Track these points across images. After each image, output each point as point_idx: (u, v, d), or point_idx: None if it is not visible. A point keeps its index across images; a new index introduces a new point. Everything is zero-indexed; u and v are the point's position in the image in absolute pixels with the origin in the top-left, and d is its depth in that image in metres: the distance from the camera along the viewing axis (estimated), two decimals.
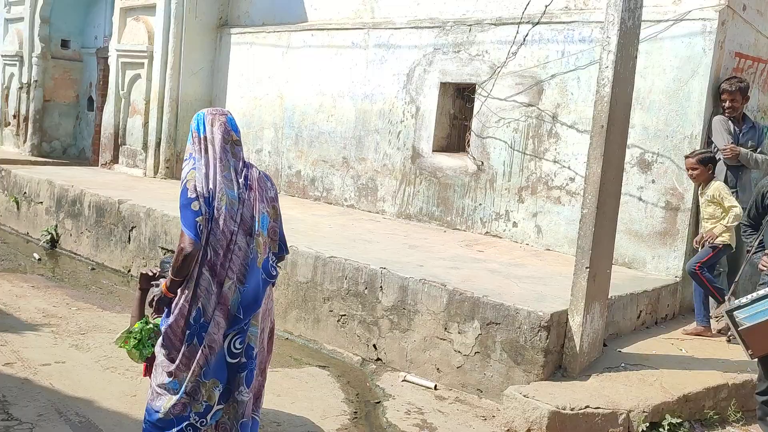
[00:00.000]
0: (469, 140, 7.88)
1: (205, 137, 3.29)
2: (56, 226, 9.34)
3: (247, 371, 3.33)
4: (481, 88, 7.63)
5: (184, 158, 3.34)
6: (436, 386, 5.29)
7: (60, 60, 13.21)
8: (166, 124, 10.59)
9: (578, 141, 6.86)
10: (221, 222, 3.20)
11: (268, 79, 9.98)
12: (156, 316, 3.48)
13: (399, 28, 8.43)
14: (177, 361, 3.25)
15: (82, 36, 13.34)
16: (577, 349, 4.93)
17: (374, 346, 5.80)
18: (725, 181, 6.05)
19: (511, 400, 4.60)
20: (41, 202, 9.70)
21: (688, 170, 5.92)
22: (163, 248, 7.77)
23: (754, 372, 5.08)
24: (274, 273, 3.40)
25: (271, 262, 3.39)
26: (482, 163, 7.63)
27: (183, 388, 3.24)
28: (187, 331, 3.24)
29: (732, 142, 6.01)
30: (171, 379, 3.27)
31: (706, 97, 6.18)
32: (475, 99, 7.72)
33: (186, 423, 3.26)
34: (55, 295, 6.96)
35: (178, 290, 3.25)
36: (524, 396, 4.56)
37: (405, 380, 5.40)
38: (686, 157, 5.95)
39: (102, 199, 8.66)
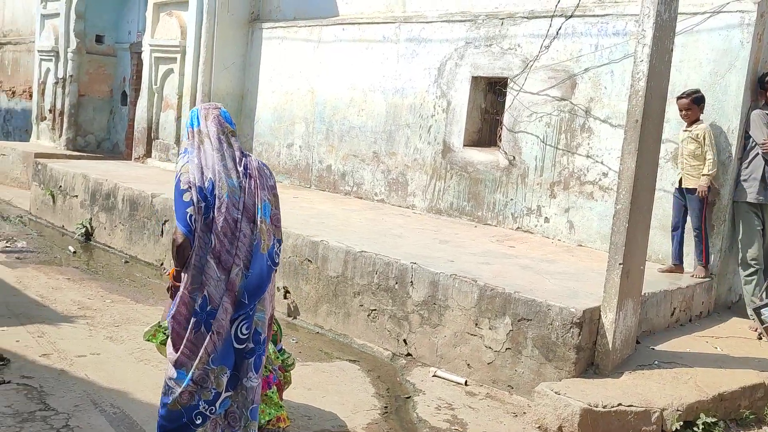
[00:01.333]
0: (500, 135, 7.83)
1: (200, 130, 3.38)
2: (90, 219, 9.48)
3: (255, 357, 3.38)
4: (513, 82, 7.57)
5: (180, 153, 3.44)
6: (466, 382, 5.27)
7: (94, 55, 13.40)
8: None
9: (611, 135, 6.78)
10: (224, 210, 3.26)
11: (300, 74, 10.00)
12: None
13: (430, 22, 8.40)
14: (181, 349, 3.28)
15: (116, 31, 13.50)
16: (610, 346, 4.87)
17: (404, 341, 5.79)
18: (762, 177, 5.95)
19: (543, 396, 4.57)
20: (76, 196, 9.85)
21: (681, 110, 6.06)
22: None
23: None
24: (278, 260, 3.46)
25: (276, 249, 3.44)
26: (514, 157, 7.58)
27: (189, 376, 3.28)
28: (193, 319, 3.28)
29: None
30: (179, 369, 3.31)
31: (744, 91, 6.06)
32: (507, 93, 7.67)
33: (195, 412, 3.29)
34: (90, 288, 7.06)
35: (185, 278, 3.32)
36: (556, 393, 4.52)
37: (435, 375, 5.40)
38: (679, 97, 6.05)
39: (135, 192, 8.76)
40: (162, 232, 8.33)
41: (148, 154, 11.56)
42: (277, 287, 6.59)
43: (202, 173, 3.28)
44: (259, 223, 3.35)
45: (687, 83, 6.33)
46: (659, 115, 5.11)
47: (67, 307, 6.29)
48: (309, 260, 6.55)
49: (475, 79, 8.00)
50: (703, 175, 5.97)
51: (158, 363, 5.09)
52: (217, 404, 3.31)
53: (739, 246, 6.08)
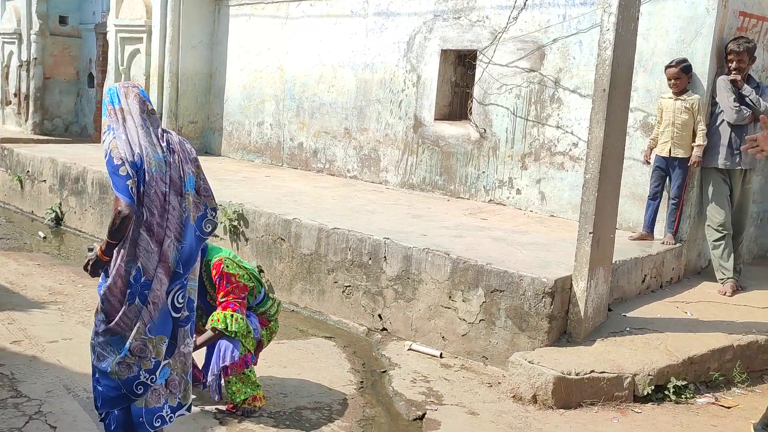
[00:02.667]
0: (471, 108, 7.82)
1: (121, 108, 3.41)
2: (60, 204, 9.36)
3: (189, 324, 3.52)
4: (483, 54, 7.55)
5: (103, 131, 3.50)
6: (441, 354, 5.31)
7: (58, 37, 13.12)
8: (167, 99, 10.54)
9: (581, 106, 6.80)
10: (153, 184, 3.32)
11: (268, 51, 9.90)
12: None
13: None
14: (116, 321, 3.32)
15: (80, 12, 13.23)
16: (582, 314, 4.93)
17: (379, 316, 5.81)
18: (729, 143, 6.01)
19: (516, 366, 4.61)
20: (45, 181, 9.70)
21: (670, 80, 6.06)
22: None
23: (759, 333, 5.10)
24: (207, 230, 3.54)
25: (205, 219, 3.53)
26: (485, 130, 7.58)
27: (127, 347, 3.32)
28: (128, 291, 3.31)
29: (736, 102, 5.94)
30: (108, 336, 3.35)
31: (710, 58, 6.10)
32: (477, 66, 7.65)
33: (136, 382, 3.35)
34: (61, 273, 6.99)
35: (114, 252, 3.32)
36: (529, 362, 4.57)
37: (410, 349, 5.43)
38: (667, 67, 6.06)
39: (105, 175, 8.64)
40: None
41: None
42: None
43: (131, 149, 3.32)
44: (185, 195, 3.43)
45: (654, 51, 6.36)
46: (627, 84, 5.13)
47: (37, 293, 6.22)
48: (282, 239, 6.53)
49: (445, 53, 7.97)
50: (697, 145, 6.01)
51: None
52: (158, 373, 3.39)
53: (707, 212, 6.15)
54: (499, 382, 4.83)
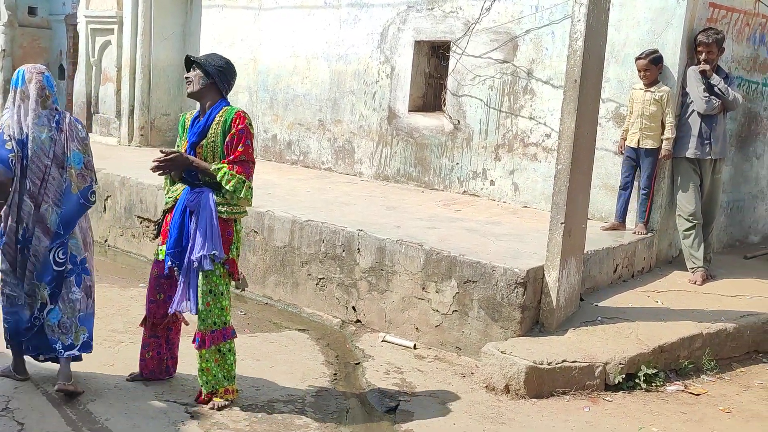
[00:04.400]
0: (444, 99, 7.82)
1: (22, 90, 4.06)
2: None
3: (74, 275, 4.18)
4: (456, 45, 7.55)
5: (5, 108, 4.14)
6: (415, 345, 5.31)
7: (28, 28, 12.90)
8: (139, 91, 10.41)
9: (554, 97, 6.82)
10: (35, 158, 4.01)
11: (241, 42, 9.82)
12: None
13: None
14: (16, 268, 4.10)
15: (50, 2, 13.02)
16: (554, 304, 4.96)
17: (353, 308, 5.80)
18: (699, 133, 6.06)
19: (489, 356, 4.63)
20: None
21: (640, 71, 6.08)
22: (139, 217, 7.71)
23: (728, 321, 5.17)
24: (92, 199, 4.21)
25: (90, 190, 4.19)
26: (458, 121, 7.58)
27: (24, 289, 4.10)
28: (18, 246, 4.07)
29: (706, 93, 5.99)
30: (11, 279, 4.11)
31: (681, 49, 6.14)
32: (450, 57, 7.64)
33: (33, 316, 4.13)
34: None
35: (3, 213, 4.05)
36: (502, 352, 4.59)
37: (384, 341, 5.43)
38: (637, 58, 6.09)
39: None
40: (105, 208, 8.15)
41: (88, 128, 11.24)
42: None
43: (21, 128, 4.01)
44: (68, 168, 4.09)
45: (626, 42, 6.39)
46: (598, 75, 5.16)
47: None
48: (255, 231, 6.49)
49: (418, 44, 7.95)
50: (666, 138, 6.05)
51: (102, 341, 5.01)
52: (46, 312, 4.12)
53: (678, 202, 6.21)
54: (472, 373, 4.84)
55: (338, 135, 8.76)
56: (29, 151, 4.00)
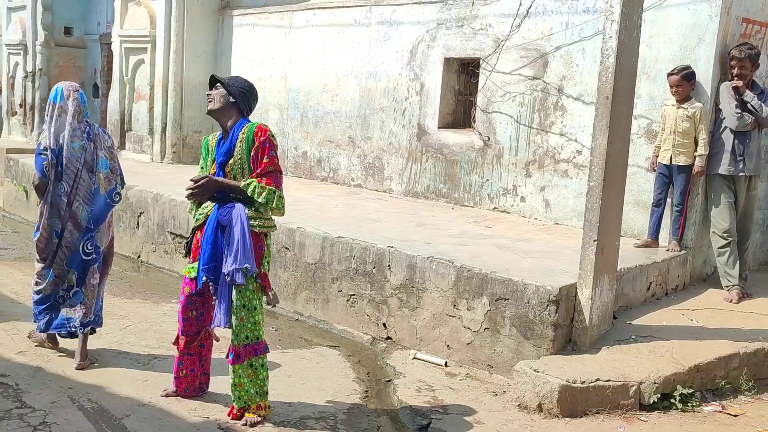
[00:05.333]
0: (474, 116, 7.82)
1: (60, 106, 4.78)
2: None
3: (97, 263, 4.93)
4: (486, 62, 7.56)
5: (45, 122, 4.85)
6: (446, 363, 5.29)
7: (64, 48, 13.21)
8: (171, 109, 10.58)
9: (584, 113, 6.79)
10: (70, 165, 4.73)
11: (272, 60, 9.93)
12: None
13: (401, 4, 8.35)
14: (48, 259, 4.83)
15: (85, 22, 13.32)
16: (587, 322, 4.91)
17: (384, 324, 5.80)
18: (732, 149, 5.99)
19: (522, 375, 4.60)
20: None
21: (672, 87, 6.04)
22: (171, 233, 7.79)
23: (765, 341, 5.08)
24: (117, 199, 4.95)
25: (114, 191, 4.92)
26: (488, 138, 7.58)
27: (52, 273, 4.84)
28: (52, 238, 4.79)
29: (738, 109, 5.93)
30: (43, 269, 4.87)
31: (713, 65, 6.09)
32: (480, 74, 7.66)
33: (57, 295, 4.87)
34: None
35: (40, 209, 4.83)
36: (534, 371, 4.55)
37: (415, 358, 5.41)
38: (669, 74, 6.04)
39: None
40: (138, 224, 8.26)
41: (122, 146, 11.44)
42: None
43: (57, 139, 4.74)
44: (97, 173, 4.83)
45: (657, 59, 6.36)
46: (629, 92, 5.13)
47: None
48: (286, 248, 6.53)
49: (448, 61, 7.98)
50: (699, 155, 5.99)
51: (137, 356, 5.08)
52: (71, 293, 4.88)
53: (712, 219, 6.13)
54: (504, 391, 4.81)
55: (368, 152, 8.79)
56: (64, 158, 4.71)
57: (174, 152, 10.65)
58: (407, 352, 5.53)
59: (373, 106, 8.70)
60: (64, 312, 4.88)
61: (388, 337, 5.76)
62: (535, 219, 7.24)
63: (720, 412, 4.55)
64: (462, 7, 7.75)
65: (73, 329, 4.85)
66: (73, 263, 4.84)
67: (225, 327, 4.08)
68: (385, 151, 8.59)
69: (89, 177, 4.79)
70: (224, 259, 4.00)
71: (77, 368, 4.73)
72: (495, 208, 7.58)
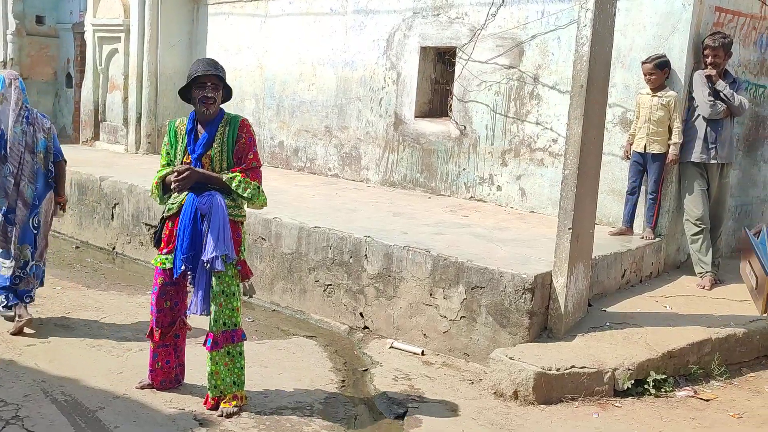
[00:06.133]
0: (451, 105, 7.82)
1: (2, 94, 5.14)
2: None
3: (39, 233, 5.37)
4: (462, 51, 7.56)
5: None
6: (423, 352, 5.31)
7: (35, 36, 12.96)
8: (146, 99, 10.47)
9: (560, 102, 6.81)
10: (13, 148, 5.14)
11: (248, 50, 9.85)
12: None
13: None
14: (7, 240, 5.24)
15: (57, 11, 13.09)
16: (562, 310, 4.94)
17: (361, 314, 5.80)
18: (704, 137, 6.05)
19: (498, 362, 4.62)
20: None
21: (645, 75, 6.08)
22: (147, 224, 7.73)
23: (737, 326, 5.15)
24: (53, 174, 5.39)
25: (51, 169, 5.37)
26: (465, 127, 7.58)
27: (12, 254, 5.25)
28: (2, 219, 5.20)
29: (711, 97, 5.98)
30: (4, 251, 5.27)
31: (687, 53, 6.13)
32: (456, 63, 7.65)
33: (14, 276, 5.25)
34: None
35: None
36: (510, 358, 4.58)
37: (392, 347, 5.42)
38: (643, 62, 6.09)
39: (84, 176, 8.58)
40: (112, 215, 8.18)
41: (96, 136, 11.32)
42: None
43: None
44: (37, 153, 5.26)
45: (632, 47, 6.39)
46: (604, 80, 5.15)
47: None
48: (263, 238, 6.50)
49: (424, 50, 7.96)
50: (673, 143, 6.05)
51: (111, 348, 5.05)
52: (27, 269, 5.30)
53: (685, 206, 6.19)
54: (481, 379, 4.83)
55: (345, 141, 8.77)
56: (8, 142, 5.13)
57: (149, 142, 10.55)
58: (384, 341, 5.54)
59: (350, 95, 8.66)
60: (21, 286, 5.30)
61: (365, 327, 5.77)
62: (512, 208, 7.27)
63: (692, 397, 4.61)
64: None
65: (27, 300, 5.33)
66: (26, 238, 5.27)
67: (202, 314, 4.06)
68: (362, 141, 8.57)
69: (32, 158, 5.23)
70: (204, 247, 3.98)
71: (16, 331, 5.17)
72: (471, 197, 7.60)
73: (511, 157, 7.26)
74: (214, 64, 4.13)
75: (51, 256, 7.83)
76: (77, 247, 8.36)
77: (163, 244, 4.18)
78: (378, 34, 8.32)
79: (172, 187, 4.05)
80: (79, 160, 9.44)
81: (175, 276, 4.11)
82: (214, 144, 4.06)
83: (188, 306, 4.14)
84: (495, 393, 4.59)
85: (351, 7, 8.59)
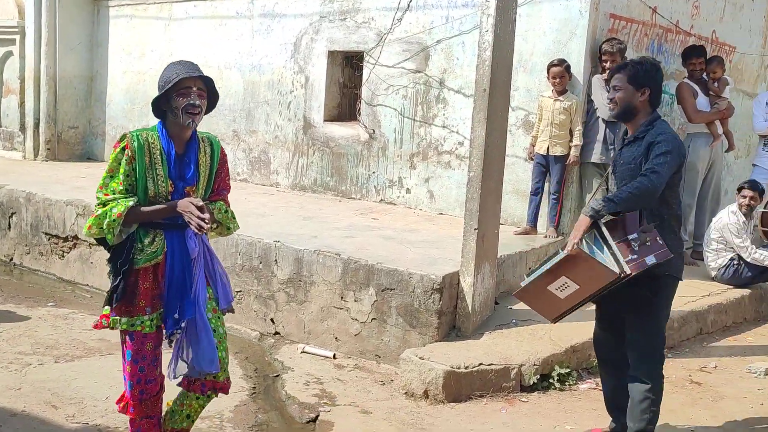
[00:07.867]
0: (359, 109, 7.86)
1: None
2: None
3: None
4: (369, 55, 7.60)
5: None
6: (335, 355, 5.31)
7: None
8: (45, 104, 10.06)
9: (466, 105, 6.94)
10: None
11: (152, 53, 9.61)
12: None
13: None
14: None
15: None
16: (470, 309, 5.05)
17: (272, 320, 5.75)
18: (603, 139, 6.29)
19: (408, 363, 4.67)
20: None
21: (555, 78, 6.21)
22: (47, 234, 7.43)
23: None
24: None
25: None
26: (374, 131, 7.64)
27: None
28: None
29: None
30: None
31: (585, 58, 6.37)
32: (364, 67, 7.69)
33: None
34: None
35: None
36: (420, 358, 4.64)
37: (304, 352, 5.40)
38: (554, 65, 6.21)
39: None
40: (9, 225, 7.82)
41: None
42: None
43: None
44: None
45: (533, 52, 6.58)
46: (506, 84, 5.29)
47: None
48: None
49: (332, 54, 7.97)
50: (574, 145, 6.27)
51: (9, 363, 4.84)
52: None
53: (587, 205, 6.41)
54: (392, 380, 4.88)
55: (253, 146, 8.68)
56: None
57: (48, 149, 10.13)
58: (296, 346, 5.51)
59: (258, 99, 8.58)
60: None
61: (276, 332, 5.72)
62: (421, 210, 7.36)
63: (594, 389, 4.77)
64: (344, 0, 7.76)
65: None
66: None
67: (217, 371, 3.33)
68: (271, 145, 8.50)
69: None
70: (196, 296, 3.28)
71: None
72: (381, 200, 7.65)
73: (419, 160, 7.35)
74: (196, 67, 3.39)
75: None
76: None
77: (144, 301, 3.25)
78: (285, 38, 8.27)
79: (195, 229, 3.11)
80: None
81: (166, 335, 3.31)
82: (200, 169, 3.38)
83: (202, 364, 3.26)
84: (406, 393, 4.64)
85: (257, 11, 8.51)
